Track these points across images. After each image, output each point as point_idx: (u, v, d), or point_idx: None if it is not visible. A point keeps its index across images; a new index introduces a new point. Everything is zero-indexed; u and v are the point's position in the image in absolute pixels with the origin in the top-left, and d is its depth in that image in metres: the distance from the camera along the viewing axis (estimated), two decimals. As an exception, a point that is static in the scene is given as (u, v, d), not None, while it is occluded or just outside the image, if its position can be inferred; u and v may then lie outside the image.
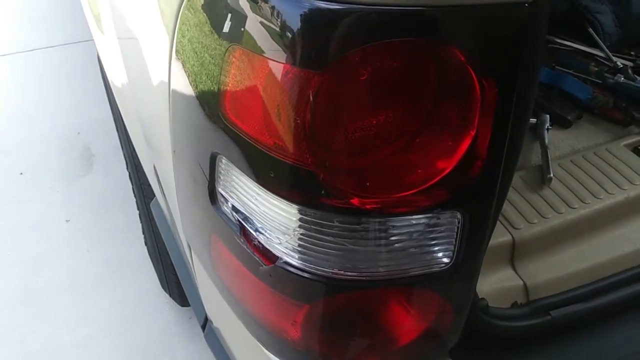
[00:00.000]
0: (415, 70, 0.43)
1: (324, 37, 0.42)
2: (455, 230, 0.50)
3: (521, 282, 0.86)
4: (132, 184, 1.58)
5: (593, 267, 0.89)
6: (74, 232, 1.85)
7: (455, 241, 0.51)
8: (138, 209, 1.61)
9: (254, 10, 0.47)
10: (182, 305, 1.56)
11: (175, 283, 1.41)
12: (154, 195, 1.16)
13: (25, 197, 1.99)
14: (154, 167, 0.98)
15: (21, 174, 2.08)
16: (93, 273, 1.71)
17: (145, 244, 1.66)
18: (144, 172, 1.18)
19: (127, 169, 1.59)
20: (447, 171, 0.46)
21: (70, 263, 1.75)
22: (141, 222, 1.63)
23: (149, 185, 1.17)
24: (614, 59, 1.25)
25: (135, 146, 1.18)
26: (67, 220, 1.89)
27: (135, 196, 1.60)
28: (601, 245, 0.92)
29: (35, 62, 2.70)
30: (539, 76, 0.48)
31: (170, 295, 1.57)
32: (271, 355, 0.66)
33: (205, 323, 0.93)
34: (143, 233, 1.65)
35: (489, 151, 0.46)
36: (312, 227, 0.50)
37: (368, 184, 0.47)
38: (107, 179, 2.03)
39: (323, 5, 0.41)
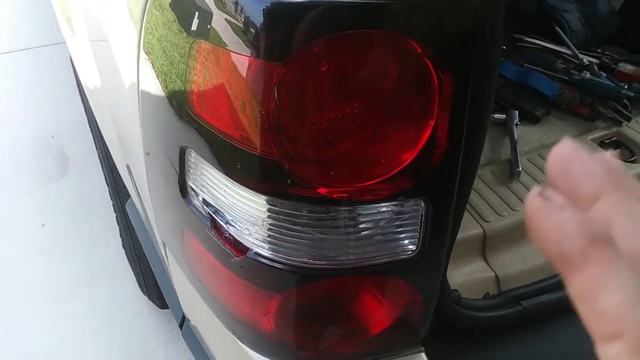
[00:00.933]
0: (375, 62, 0.45)
1: (285, 30, 0.43)
2: (420, 217, 0.52)
3: (493, 274, 0.88)
4: (108, 186, 1.56)
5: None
6: (50, 236, 1.83)
7: (420, 228, 0.52)
8: (115, 211, 1.60)
9: (218, 6, 0.48)
10: (162, 308, 1.55)
11: (153, 285, 1.40)
12: (129, 196, 1.16)
13: (0, 201, 1.96)
14: (128, 167, 0.98)
15: (-6, 178, 2.05)
16: (70, 277, 1.69)
17: (123, 246, 1.65)
18: (119, 173, 1.18)
19: (102, 170, 1.57)
20: (409, 160, 0.48)
21: (46, 267, 1.72)
22: (118, 224, 1.62)
23: (124, 186, 1.17)
24: (581, 56, 1.28)
25: (109, 147, 1.17)
26: (42, 225, 1.87)
27: (111, 198, 1.59)
28: (569, 236, 0.94)
29: (7, 65, 2.66)
30: (495, 70, 0.50)
31: (149, 298, 1.56)
32: (247, 350, 0.67)
33: (182, 322, 0.93)
34: (120, 236, 1.64)
35: (448, 140, 0.47)
36: (281, 217, 0.51)
37: (333, 173, 0.48)
38: (83, 182, 2.01)
39: (285, -1, 0.42)
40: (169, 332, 1.56)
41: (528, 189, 0.96)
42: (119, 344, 1.53)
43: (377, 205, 0.50)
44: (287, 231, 0.51)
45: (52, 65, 2.59)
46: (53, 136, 2.23)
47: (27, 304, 1.62)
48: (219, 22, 0.48)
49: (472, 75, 0.46)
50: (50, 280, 1.69)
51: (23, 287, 1.66)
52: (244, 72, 0.46)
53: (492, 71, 0.49)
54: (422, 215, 0.51)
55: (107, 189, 1.67)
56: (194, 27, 0.51)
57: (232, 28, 0.46)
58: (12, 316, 1.59)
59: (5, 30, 2.91)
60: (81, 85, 1.29)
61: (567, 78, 1.23)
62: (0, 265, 1.72)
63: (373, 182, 0.48)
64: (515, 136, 1.07)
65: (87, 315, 1.59)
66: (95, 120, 1.22)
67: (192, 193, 0.59)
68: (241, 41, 0.45)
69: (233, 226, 0.55)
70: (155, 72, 0.59)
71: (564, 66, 1.26)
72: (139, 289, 1.61)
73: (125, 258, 1.67)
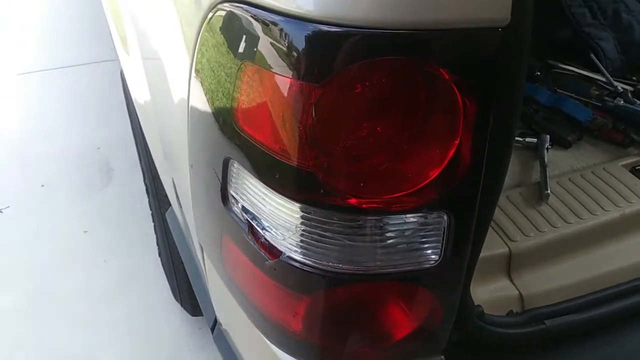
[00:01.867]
0: (405, 86, 0.49)
1: (325, 55, 0.48)
2: (442, 229, 0.55)
3: (517, 292, 0.89)
4: (149, 196, 1.64)
5: (588, 280, 0.92)
6: (91, 243, 1.92)
7: (443, 240, 0.56)
8: (153, 221, 1.67)
9: (264, 32, 0.53)
10: (193, 315, 1.60)
11: (187, 292, 1.46)
12: (170, 205, 1.23)
13: (45, 208, 2.06)
14: (172, 179, 1.04)
15: (42, 186, 2.17)
16: (108, 283, 1.77)
17: (159, 255, 1.72)
18: (161, 183, 1.25)
19: (144, 181, 1.65)
20: (434, 175, 0.52)
21: (86, 273, 1.81)
22: (156, 233, 1.69)
23: (165, 195, 1.24)
24: (615, 83, 1.29)
25: (154, 159, 1.24)
26: (85, 232, 1.96)
27: (151, 208, 1.67)
28: (596, 260, 0.95)
29: (57, 80, 2.81)
30: (520, 94, 0.53)
31: (181, 305, 1.62)
32: (276, 351, 0.70)
33: (214, 325, 0.97)
34: (157, 245, 1.71)
35: (471, 158, 0.51)
36: (313, 224, 0.55)
37: (363, 185, 0.53)
38: (125, 193, 2.11)
39: (324, 28, 0.47)
40: (199, 339, 1.61)
41: (556, 212, 0.98)
42: (150, 349, 1.59)
43: (402, 216, 0.54)
44: (318, 237, 0.55)
45: (98, 81, 2.73)
46: (98, 148, 2.35)
47: (67, 308, 1.70)
48: (265, 46, 0.53)
49: (495, 100, 0.49)
50: (90, 285, 1.77)
51: (64, 290, 1.75)
52: (285, 92, 0.51)
53: (514, 96, 0.52)
54: (444, 227, 0.55)
55: (146, 200, 1.75)
56: (241, 50, 0.57)
57: (276, 52, 0.52)
58: (53, 317, 1.67)
59: (56, 46, 3.08)
60: (131, 100, 1.37)
61: (600, 104, 1.24)
62: (43, 269, 1.82)
63: (400, 194, 0.52)
64: (546, 160, 1.09)
65: (122, 320, 1.65)
66: (142, 134, 1.30)
67: (233, 200, 0.64)
68: (284, 64, 0.50)
69: (268, 231, 0.59)
70: (204, 90, 0.65)
71: (597, 93, 1.26)
72: (171, 296, 1.67)
73: (160, 266, 1.74)
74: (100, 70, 2.81)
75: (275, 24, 0.51)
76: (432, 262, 0.57)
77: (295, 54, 0.50)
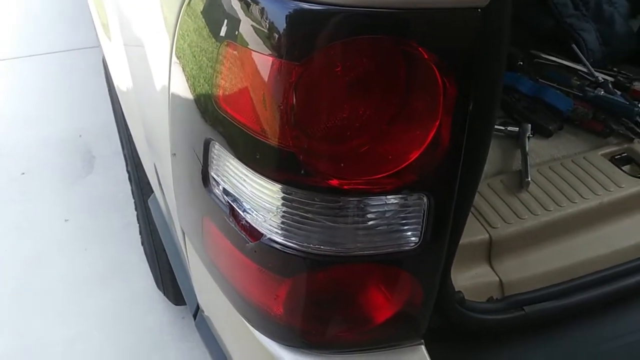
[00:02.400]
0: (385, 66, 0.49)
1: (304, 34, 0.48)
2: (422, 211, 0.55)
3: (497, 279, 0.90)
4: (131, 184, 1.63)
5: (567, 267, 0.94)
6: (72, 231, 1.90)
7: (422, 222, 0.56)
8: (136, 209, 1.66)
9: (245, 12, 0.53)
10: (176, 304, 1.60)
11: (170, 281, 1.45)
12: (152, 192, 1.22)
13: (26, 196, 2.03)
14: (154, 165, 1.03)
15: (23, 174, 2.14)
16: (89, 272, 1.75)
17: (142, 244, 1.70)
18: (143, 170, 1.24)
19: (127, 168, 1.64)
20: (414, 157, 0.52)
21: (67, 261, 1.79)
22: (139, 222, 1.68)
23: (148, 182, 1.23)
24: (596, 74, 1.31)
25: (136, 145, 1.23)
26: (65, 220, 1.94)
27: (133, 196, 1.65)
28: (575, 247, 0.97)
29: (37, 67, 2.77)
30: (500, 77, 0.53)
31: (164, 294, 1.61)
32: (259, 336, 0.70)
33: (196, 312, 0.97)
34: (140, 234, 1.70)
35: (450, 140, 0.51)
36: (294, 205, 0.55)
37: (343, 166, 0.53)
38: (107, 181, 2.09)
39: (305, 6, 0.47)
40: (182, 329, 1.60)
41: (536, 199, 0.99)
42: (133, 338, 1.58)
43: (383, 197, 0.54)
44: (299, 219, 0.55)
45: (81, 68, 2.69)
46: (80, 136, 2.32)
47: (47, 296, 1.68)
48: (246, 26, 0.53)
49: (474, 82, 0.50)
50: (70, 274, 1.75)
51: (45, 279, 1.73)
52: (265, 71, 0.50)
53: (494, 80, 0.52)
54: (424, 209, 0.55)
55: (129, 189, 1.73)
56: (221, 32, 0.56)
57: (256, 32, 0.51)
58: (32, 307, 1.65)
59: (36, 33, 3.03)
60: (113, 87, 1.36)
61: (581, 94, 1.25)
62: (24, 258, 1.80)
63: (380, 176, 0.52)
64: (527, 148, 1.10)
65: (104, 310, 1.64)
66: (125, 120, 1.28)
67: (214, 182, 0.63)
68: (265, 43, 0.50)
69: (249, 213, 0.59)
70: (185, 73, 0.64)
71: (578, 83, 1.28)
72: (154, 286, 1.66)
73: (143, 255, 1.72)
74: (82, 57, 2.76)
75: (256, 3, 0.51)
76: (412, 244, 0.57)
77: (275, 33, 0.49)
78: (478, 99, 0.51)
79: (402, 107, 0.51)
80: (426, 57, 0.48)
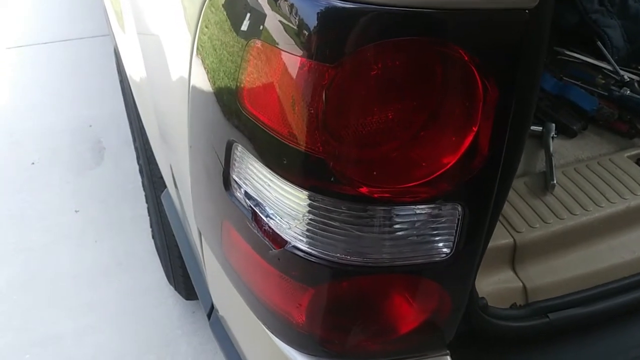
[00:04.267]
0: (423, 68, 0.46)
1: (338, 34, 0.45)
2: (456, 222, 0.53)
3: (521, 284, 0.88)
4: (143, 177, 1.61)
5: (592, 273, 0.91)
6: (82, 222, 1.89)
7: (456, 232, 0.53)
8: (147, 201, 1.64)
9: (272, 8, 0.50)
10: (187, 299, 1.58)
11: (181, 276, 1.43)
12: (165, 187, 1.19)
13: (36, 186, 2.03)
14: (169, 160, 1.01)
15: (33, 163, 2.13)
16: (99, 263, 1.74)
17: (153, 237, 1.69)
18: (156, 164, 1.21)
19: (138, 161, 1.62)
20: (449, 165, 0.49)
21: (77, 253, 1.78)
22: (149, 215, 1.66)
23: (160, 177, 1.20)
24: (621, 72, 1.27)
25: (149, 139, 1.21)
26: (76, 211, 1.93)
27: (144, 189, 1.63)
28: (601, 252, 0.94)
29: (47, 55, 2.75)
30: (539, 79, 0.50)
31: (175, 289, 1.60)
32: (276, 340, 0.68)
33: (211, 311, 0.95)
34: (150, 226, 1.68)
35: (490, 148, 0.48)
36: (321, 212, 0.52)
37: (375, 173, 0.50)
38: (117, 172, 2.07)
39: (338, 4, 0.44)
40: (193, 323, 1.59)
41: (562, 203, 0.96)
42: (143, 332, 1.57)
43: (414, 207, 0.51)
44: (325, 227, 0.53)
45: (90, 57, 2.67)
46: (90, 126, 2.30)
47: (57, 288, 1.67)
48: (273, 23, 0.50)
49: (516, 85, 0.47)
50: (80, 265, 1.74)
51: (54, 271, 1.72)
52: (295, 72, 0.48)
53: (535, 82, 0.50)
54: (458, 219, 0.52)
55: (139, 180, 1.71)
56: (246, 27, 0.54)
57: (285, 29, 0.48)
58: (41, 298, 1.64)
59: (47, 20, 3.01)
60: (125, 77, 1.33)
61: (606, 94, 1.22)
62: (33, 249, 1.79)
63: (413, 184, 0.50)
64: (551, 149, 1.07)
65: (114, 302, 1.63)
66: (137, 113, 1.26)
67: (235, 185, 0.61)
68: (294, 42, 0.47)
69: (273, 219, 0.57)
70: (206, 69, 0.61)
71: (603, 81, 1.24)
72: (164, 279, 1.65)
73: (154, 248, 1.71)
74: (94, 45, 2.74)
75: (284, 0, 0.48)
76: (444, 255, 0.55)
77: (306, 32, 0.46)
78: (518, 103, 0.49)
79: (437, 111, 0.48)
80: (467, 59, 0.45)
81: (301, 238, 0.55)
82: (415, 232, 0.53)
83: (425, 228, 0.53)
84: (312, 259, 0.55)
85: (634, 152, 1.10)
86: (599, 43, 1.33)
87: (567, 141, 1.13)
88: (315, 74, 0.46)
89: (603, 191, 0.98)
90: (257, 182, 0.57)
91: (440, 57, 0.46)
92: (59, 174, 2.07)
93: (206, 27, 0.61)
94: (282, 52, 0.48)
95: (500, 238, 0.88)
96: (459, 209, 0.52)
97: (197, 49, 0.64)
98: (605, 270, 0.91)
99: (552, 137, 1.11)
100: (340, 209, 0.51)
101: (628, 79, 1.25)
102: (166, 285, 1.65)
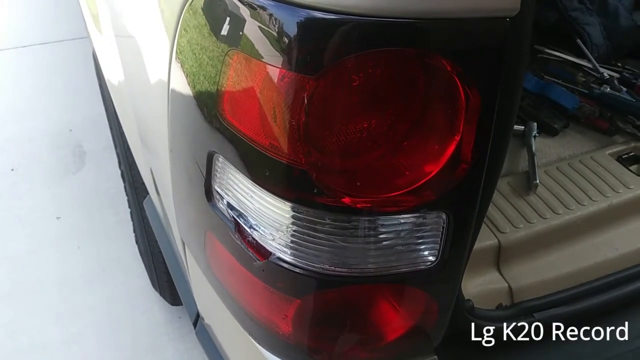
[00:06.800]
0: (404, 78, 0.46)
1: (319, 45, 0.45)
2: (441, 229, 0.53)
3: (506, 285, 0.88)
4: (125, 182, 1.58)
5: (576, 272, 0.92)
6: (64, 229, 1.85)
7: (441, 240, 0.53)
8: (130, 207, 1.62)
9: (253, 16, 0.49)
10: (173, 304, 1.57)
11: (166, 282, 1.42)
12: (148, 194, 1.18)
13: (16, 193, 1.99)
14: (150, 167, 1.00)
15: (12, 169, 2.09)
16: (83, 270, 1.72)
17: (136, 242, 1.67)
18: (137, 170, 1.20)
19: (120, 167, 1.59)
20: (433, 173, 0.49)
21: (59, 260, 1.75)
22: (132, 220, 1.64)
23: (143, 183, 1.19)
24: (601, 70, 1.28)
25: (130, 144, 1.19)
26: (57, 217, 1.89)
27: (127, 194, 1.61)
28: (585, 251, 0.95)
29: (27, 58, 2.70)
30: (521, 86, 0.50)
31: (160, 294, 1.58)
32: (262, 350, 0.68)
33: (196, 320, 0.94)
34: (134, 232, 1.66)
35: (473, 155, 0.48)
36: (305, 224, 0.52)
37: (358, 184, 0.49)
38: (99, 177, 2.04)
39: (319, 14, 0.44)
40: (179, 328, 1.58)
41: (545, 202, 0.97)
42: (129, 338, 1.55)
43: (399, 216, 0.51)
44: (309, 238, 0.52)
45: (71, 60, 2.62)
46: (71, 130, 2.26)
47: (41, 296, 1.64)
48: (253, 32, 0.49)
49: (499, 93, 0.46)
50: (64, 272, 1.71)
51: (37, 279, 1.69)
52: (276, 84, 0.47)
53: (517, 90, 0.50)
54: (443, 227, 0.52)
55: (121, 185, 1.69)
56: (225, 34, 0.53)
57: (266, 39, 0.47)
58: (26, 307, 1.61)
59: (25, 23, 2.95)
60: (103, 80, 1.31)
61: (587, 91, 1.23)
62: (16, 257, 1.75)
63: (397, 193, 0.49)
64: (534, 148, 1.07)
65: (99, 309, 1.61)
66: (117, 117, 1.24)
67: (217, 196, 0.60)
68: (275, 53, 0.46)
69: (257, 230, 0.56)
70: (186, 73, 0.60)
71: (584, 79, 1.25)
72: (149, 284, 1.63)
73: (138, 253, 1.69)
74: (74, 48, 2.69)
75: (263, 9, 0.47)
76: (429, 263, 0.55)
77: (286, 42, 0.46)
78: (501, 110, 0.48)
79: (419, 120, 0.48)
80: (449, 68, 0.44)
81: (285, 249, 0.54)
82: (400, 242, 0.53)
83: (410, 237, 0.53)
84: (297, 270, 0.54)
85: (615, 149, 1.11)
86: (578, 41, 1.34)
87: (549, 140, 1.14)
88: (296, 85, 0.46)
89: (585, 189, 0.99)
90: (239, 193, 0.56)
91: (422, 67, 0.45)
92: (40, 180, 2.04)
93: (185, 31, 0.60)
94: (262, 63, 0.48)
95: (484, 239, 0.88)
96: (444, 217, 0.52)
97: (177, 52, 0.63)
98: (589, 268, 0.92)
99: (534, 136, 1.11)
100: (324, 220, 0.51)
101: (608, 77, 1.26)
102: (151, 290, 1.63)
